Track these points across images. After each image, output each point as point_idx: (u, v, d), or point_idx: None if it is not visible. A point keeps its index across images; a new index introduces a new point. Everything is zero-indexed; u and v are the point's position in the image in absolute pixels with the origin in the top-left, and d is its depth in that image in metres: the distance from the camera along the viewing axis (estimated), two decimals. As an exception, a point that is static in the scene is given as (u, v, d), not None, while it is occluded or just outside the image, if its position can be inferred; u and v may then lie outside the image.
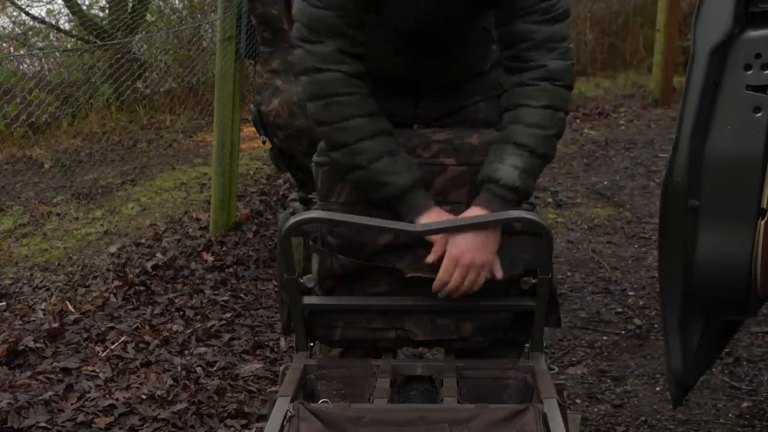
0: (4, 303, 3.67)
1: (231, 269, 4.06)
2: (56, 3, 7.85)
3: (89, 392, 2.88)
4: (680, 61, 8.30)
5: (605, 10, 9.97)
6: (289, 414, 1.61)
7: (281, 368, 1.95)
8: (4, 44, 7.76)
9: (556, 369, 1.92)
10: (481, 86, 2.14)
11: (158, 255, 4.18)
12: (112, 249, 4.36)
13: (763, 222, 1.97)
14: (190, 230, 4.63)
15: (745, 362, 3.12)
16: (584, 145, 6.62)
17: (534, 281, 1.84)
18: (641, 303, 3.68)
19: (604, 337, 3.38)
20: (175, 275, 3.96)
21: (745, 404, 2.84)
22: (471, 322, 1.90)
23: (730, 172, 1.99)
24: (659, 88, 7.80)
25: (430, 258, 1.81)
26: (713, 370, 3.02)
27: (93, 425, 2.69)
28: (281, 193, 5.40)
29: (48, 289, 3.83)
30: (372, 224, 1.78)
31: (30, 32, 8.06)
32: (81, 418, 2.71)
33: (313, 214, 1.82)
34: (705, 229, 2.02)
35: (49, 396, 2.81)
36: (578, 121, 7.45)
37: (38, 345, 3.20)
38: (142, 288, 3.79)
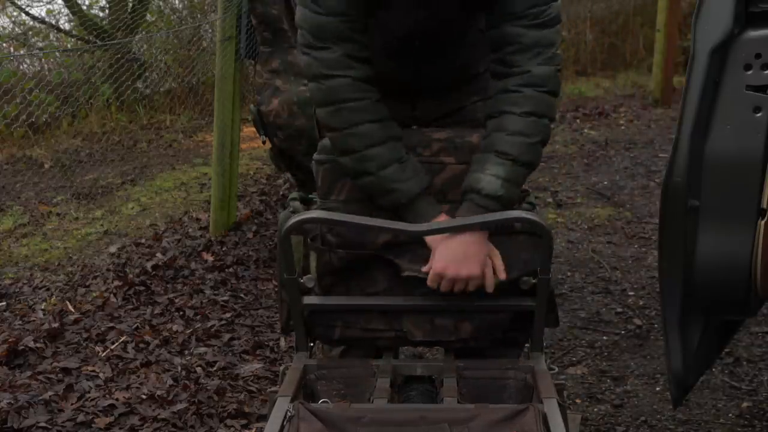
0: (4, 303, 3.67)
1: (231, 269, 4.06)
2: (56, 3, 7.85)
3: (89, 392, 2.88)
4: (680, 61, 8.30)
5: (605, 10, 9.97)
6: (289, 414, 1.61)
7: (281, 368, 1.95)
8: (4, 44, 7.76)
9: (556, 369, 1.91)
10: (478, 87, 2.13)
11: (158, 255, 4.18)
12: (112, 249, 4.36)
13: (763, 222, 1.97)
14: (190, 230, 4.63)
15: (745, 362, 3.12)
16: (584, 145, 6.62)
17: (534, 281, 1.84)
18: (641, 303, 3.68)
19: (604, 337, 3.38)
20: (175, 275, 3.96)
21: (745, 404, 2.84)
22: (470, 322, 1.90)
23: (730, 172, 1.99)
24: (659, 88, 7.80)
25: (426, 268, 1.82)
26: (713, 370, 3.02)
27: (93, 425, 2.69)
28: (281, 193, 5.40)
29: (48, 289, 3.83)
30: (372, 224, 1.78)
31: (30, 32, 8.06)
32: (81, 418, 2.72)
33: (314, 213, 1.83)
34: (705, 229, 2.02)
35: (49, 396, 2.81)
36: (578, 121, 7.45)
37: (38, 345, 3.20)
38: (142, 288, 3.79)
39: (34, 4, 7.95)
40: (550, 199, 5.22)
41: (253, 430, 2.68)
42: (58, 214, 5.02)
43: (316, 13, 1.79)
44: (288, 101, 3.59)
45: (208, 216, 4.65)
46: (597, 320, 3.54)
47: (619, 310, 3.62)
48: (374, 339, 1.95)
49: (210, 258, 4.17)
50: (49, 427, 2.66)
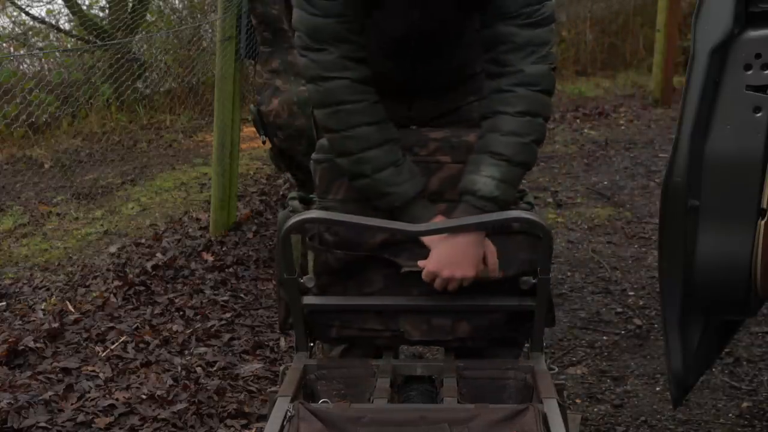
0: (4, 303, 3.67)
1: (231, 269, 4.06)
2: (56, 3, 7.85)
3: (89, 392, 2.88)
4: (680, 61, 8.30)
5: (605, 10, 9.97)
6: (289, 414, 1.61)
7: (281, 368, 1.95)
8: (4, 44, 7.76)
9: (556, 369, 1.91)
10: (474, 87, 2.13)
11: (158, 255, 4.18)
12: (112, 249, 4.36)
13: (763, 222, 1.97)
14: (190, 230, 4.63)
15: (745, 362, 3.12)
16: (584, 145, 6.62)
17: (534, 281, 1.84)
18: (641, 303, 3.68)
19: (604, 337, 3.38)
20: (175, 275, 3.96)
21: (745, 404, 2.84)
22: (467, 322, 1.91)
23: (730, 172, 1.99)
24: (659, 88, 7.80)
25: (422, 263, 1.82)
26: (713, 370, 3.02)
27: (93, 425, 2.69)
28: (281, 193, 5.40)
29: (48, 289, 3.83)
30: (372, 224, 1.78)
31: (30, 32, 8.06)
32: (81, 418, 2.72)
33: (314, 213, 1.83)
34: (705, 229, 2.02)
35: (49, 396, 2.81)
36: (578, 121, 7.45)
37: (38, 345, 3.20)
38: (142, 288, 3.79)
39: (34, 4, 7.95)
40: (550, 199, 5.22)
41: (253, 430, 2.68)
42: (58, 214, 5.02)
43: (313, 15, 1.79)
44: (288, 101, 3.59)
45: (208, 216, 4.65)
46: (597, 320, 3.54)
47: (619, 310, 3.62)
48: (372, 338, 1.95)
49: (210, 258, 4.17)
50: (49, 427, 2.66)
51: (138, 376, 3.01)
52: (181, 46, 7.85)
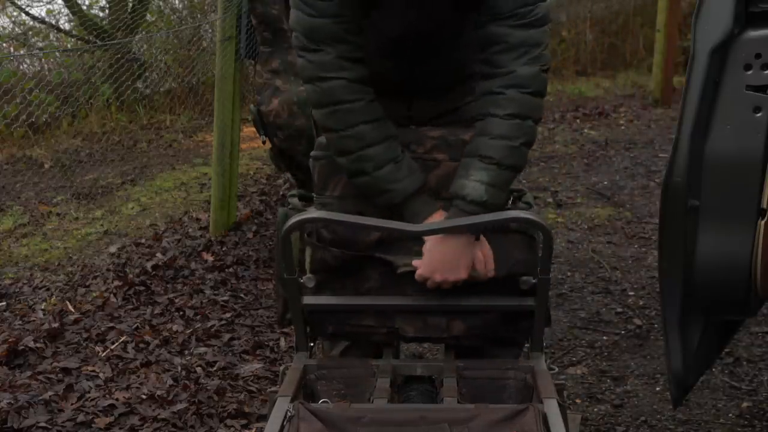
0: (4, 303, 3.68)
1: (231, 269, 4.06)
2: (56, 3, 7.85)
3: (89, 392, 2.88)
4: (680, 61, 8.30)
5: (605, 10, 9.97)
6: (289, 414, 1.61)
7: (281, 368, 1.96)
8: (4, 44, 7.76)
9: (556, 369, 1.91)
10: (473, 87, 2.13)
11: (158, 255, 4.18)
12: (112, 249, 4.36)
13: (763, 222, 1.97)
14: (190, 230, 4.63)
15: (745, 362, 3.12)
16: (584, 145, 6.62)
17: (534, 281, 1.84)
18: (641, 303, 3.68)
19: (604, 337, 3.38)
20: (175, 275, 3.96)
21: (745, 404, 2.84)
22: (462, 321, 1.91)
23: (730, 172, 1.99)
24: (659, 88, 7.80)
25: (416, 263, 1.83)
26: (713, 370, 3.02)
27: (93, 425, 2.69)
28: (281, 193, 5.40)
29: (48, 289, 3.83)
30: (371, 224, 1.79)
31: (30, 32, 8.06)
32: (81, 418, 2.72)
33: (314, 213, 1.83)
34: (705, 229, 2.02)
35: (49, 396, 2.81)
36: (578, 121, 7.45)
37: (38, 345, 3.20)
38: (142, 288, 3.79)
39: (34, 4, 7.95)
40: (550, 199, 5.22)
41: (253, 430, 2.68)
42: (58, 214, 5.02)
43: (310, 16, 1.80)
44: (288, 101, 3.59)
45: (208, 216, 4.65)
46: (597, 320, 3.54)
47: (619, 310, 3.62)
48: (368, 334, 1.96)
49: (210, 258, 4.17)
50: (49, 427, 2.66)
51: (138, 376, 3.01)
52: (181, 46, 7.85)
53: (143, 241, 4.47)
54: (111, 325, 3.41)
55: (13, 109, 5.01)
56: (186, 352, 3.23)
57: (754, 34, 1.98)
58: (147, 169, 6.08)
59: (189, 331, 3.38)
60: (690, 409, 2.82)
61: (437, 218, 1.83)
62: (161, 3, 8.42)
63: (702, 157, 2.00)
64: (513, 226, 1.88)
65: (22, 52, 7.57)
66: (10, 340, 3.20)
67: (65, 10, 7.91)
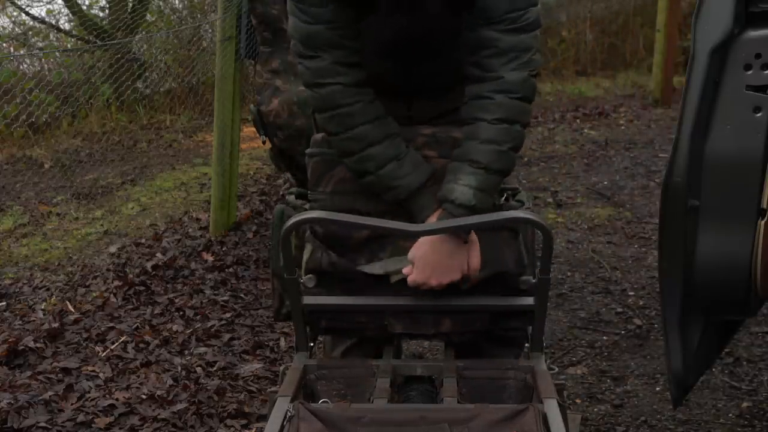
0: (4, 303, 3.68)
1: (231, 269, 4.06)
2: (56, 3, 7.86)
3: (89, 392, 2.88)
4: (680, 61, 8.30)
5: (605, 10, 9.97)
6: (289, 414, 1.61)
7: (281, 368, 1.96)
8: (4, 44, 7.76)
9: (556, 369, 1.91)
10: None
11: (158, 255, 4.18)
12: (112, 249, 4.36)
13: (763, 222, 1.97)
14: (190, 230, 4.63)
15: (745, 362, 3.12)
16: (584, 145, 6.62)
17: (534, 281, 1.84)
18: (641, 303, 3.68)
19: (604, 337, 3.38)
20: (175, 275, 3.96)
21: (745, 404, 2.84)
22: (450, 318, 1.92)
23: (730, 172, 1.99)
24: (659, 88, 7.81)
25: (407, 270, 1.83)
26: (713, 370, 3.02)
27: (93, 425, 2.69)
28: (281, 193, 5.40)
29: (48, 289, 3.83)
30: (371, 224, 1.79)
31: (30, 32, 8.06)
32: (81, 418, 2.72)
33: (313, 213, 1.83)
34: (705, 229, 2.02)
35: (49, 396, 2.81)
36: (578, 121, 7.45)
37: (38, 345, 3.20)
38: (142, 288, 3.79)
39: (34, 4, 7.96)
40: (550, 199, 5.22)
41: (253, 430, 2.68)
42: (58, 214, 5.02)
43: (305, 23, 1.82)
44: (288, 101, 3.59)
45: (208, 216, 4.65)
46: (597, 320, 3.54)
47: (619, 310, 3.62)
48: (359, 330, 1.98)
49: (210, 258, 4.17)
50: (49, 427, 2.66)
51: (138, 376, 3.01)
52: (181, 46, 7.85)
53: (143, 241, 4.47)
54: (111, 325, 3.42)
55: (13, 109, 5.01)
56: (186, 352, 3.23)
57: (754, 34, 1.98)
58: (147, 169, 6.08)
59: (189, 331, 3.38)
60: (690, 409, 2.82)
61: (437, 218, 1.84)
62: (161, 3, 8.42)
63: (702, 157, 2.00)
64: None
65: (22, 52, 7.57)
66: (10, 340, 3.20)
67: (65, 10, 7.91)
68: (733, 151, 1.98)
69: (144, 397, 2.85)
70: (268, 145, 3.78)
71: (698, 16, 2.00)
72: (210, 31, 7.58)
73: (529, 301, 1.86)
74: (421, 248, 1.81)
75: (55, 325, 3.35)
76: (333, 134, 1.87)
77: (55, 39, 8.14)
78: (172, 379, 2.98)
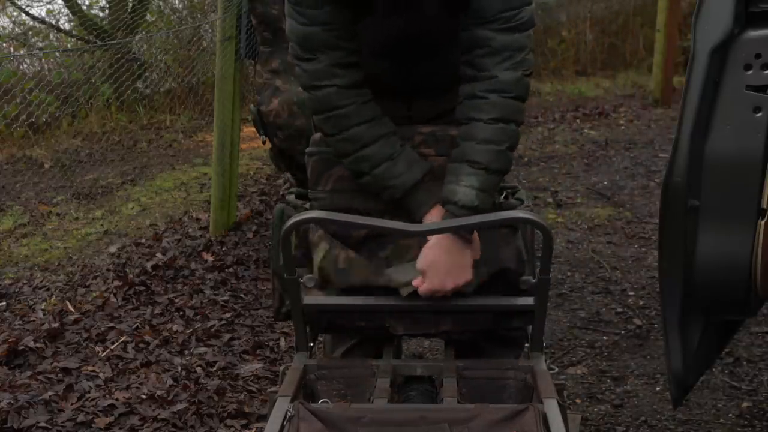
0: (4, 303, 3.68)
1: (231, 269, 4.06)
2: (56, 3, 7.86)
3: (89, 392, 2.88)
4: (680, 61, 8.31)
5: (605, 10, 9.97)
6: (289, 414, 1.61)
7: (281, 368, 1.96)
8: (4, 44, 7.76)
9: (556, 369, 1.91)
10: None
11: (158, 255, 4.18)
12: (112, 249, 4.36)
13: (763, 222, 1.97)
14: (190, 230, 4.63)
15: (745, 362, 3.12)
16: (584, 145, 6.62)
17: (534, 281, 1.84)
18: (641, 303, 3.68)
19: (604, 337, 3.38)
20: (175, 275, 3.96)
21: (745, 404, 2.84)
22: (450, 317, 1.92)
23: (730, 172, 1.99)
24: (659, 88, 7.81)
25: (417, 282, 1.82)
26: (713, 370, 3.02)
27: (93, 425, 2.69)
28: (281, 193, 5.40)
29: (48, 289, 3.83)
30: (370, 224, 1.79)
31: (30, 32, 8.06)
32: (81, 418, 2.72)
33: (313, 213, 1.83)
34: (705, 229, 2.02)
35: (49, 396, 2.81)
36: (578, 121, 7.45)
37: (38, 345, 3.20)
38: (142, 288, 3.79)
39: (34, 4, 7.96)
40: (550, 199, 5.22)
41: (253, 430, 2.68)
42: (58, 214, 5.02)
43: (302, 25, 1.83)
44: (288, 101, 3.59)
45: (208, 216, 4.65)
46: (597, 320, 3.54)
47: (619, 310, 3.62)
48: (360, 329, 1.98)
49: (210, 258, 4.17)
50: (49, 427, 2.66)
51: (138, 376, 3.01)
52: (181, 46, 7.85)
53: (143, 241, 4.47)
54: (111, 325, 3.42)
55: (13, 109, 5.02)
56: (186, 352, 3.23)
57: (754, 34, 1.98)
58: (147, 169, 6.08)
59: (189, 331, 3.38)
60: (690, 409, 2.82)
61: (435, 215, 1.84)
62: (161, 3, 8.42)
63: (702, 157, 2.00)
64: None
65: (22, 52, 7.57)
66: (10, 340, 3.20)
67: (65, 10, 7.92)
68: (733, 151, 1.98)
69: (144, 397, 2.85)
70: (268, 145, 3.78)
71: (698, 16, 2.00)
72: (210, 31, 7.58)
73: (529, 301, 1.86)
74: (430, 254, 1.80)
75: (55, 325, 3.35)
76: (329, 135, 1.89)
77: (55, 39, 8.15)
78: (172, 379, 2.98)
